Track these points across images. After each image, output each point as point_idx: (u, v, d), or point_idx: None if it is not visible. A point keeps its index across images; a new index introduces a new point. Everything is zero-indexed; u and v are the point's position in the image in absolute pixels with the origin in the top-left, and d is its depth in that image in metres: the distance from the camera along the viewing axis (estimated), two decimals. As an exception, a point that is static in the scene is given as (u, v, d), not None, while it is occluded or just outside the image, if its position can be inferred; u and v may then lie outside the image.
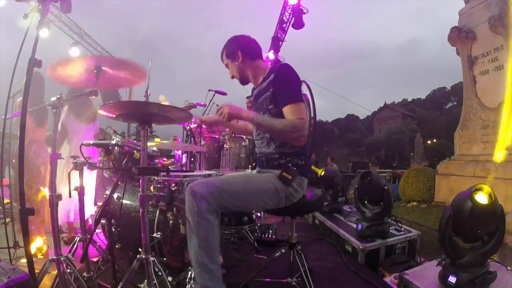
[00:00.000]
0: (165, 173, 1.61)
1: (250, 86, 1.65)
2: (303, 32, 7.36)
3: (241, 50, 1.49)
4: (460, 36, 4.81)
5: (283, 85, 1.35)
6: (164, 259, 1.67)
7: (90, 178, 2.62)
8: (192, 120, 2.53)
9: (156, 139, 2.78)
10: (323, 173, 3.31)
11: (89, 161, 1.51)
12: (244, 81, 1.57)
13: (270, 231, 2.55)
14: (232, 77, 1.57)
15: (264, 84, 1.45)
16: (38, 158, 2.23)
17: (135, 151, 1.71)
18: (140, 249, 1.32)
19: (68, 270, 1.37)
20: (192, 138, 2.52)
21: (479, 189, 1.28)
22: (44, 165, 2.30)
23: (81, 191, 1.64)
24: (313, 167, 3.54)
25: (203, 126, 2.64)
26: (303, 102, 1.34)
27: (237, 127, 1.92)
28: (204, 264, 1.18)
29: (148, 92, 1.50)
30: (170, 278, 1.39)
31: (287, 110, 1.31)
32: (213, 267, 1.19)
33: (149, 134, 1.30)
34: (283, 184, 1.34)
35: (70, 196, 1.62)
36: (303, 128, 1.28)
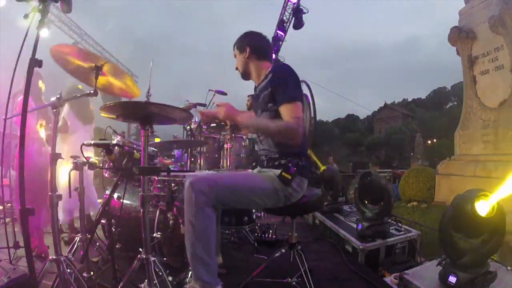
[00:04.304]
0: (165, 173, 1.62)
1: (249, 84, 1.66)
2: (302, 31, 7.36)
3: (250, 47, 1.53)
4: (460, 36, 4.81)
5: (280, 85, 1.36)
6: (165, 259, 1.67)
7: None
8: (193, 120, 2.54)
9: (156, 139, 2.78)
10: (324, 169, 3.31)
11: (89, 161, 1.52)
12: (245, 76, 1.59)
13: (270, 231, 2.55)
14: (236, 69, 1.61)
15: (264, 83, 1.48)
16: (40, 157, 2.23)
17: (135, 151, 1.71)
18: (140, 249, 1.32)
19: (68, 270, 1.37)
20: (192, 138, 2.52)
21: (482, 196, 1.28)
22: (46, 164, 2.30)
23: (81, 191, 1.64)
24: (315, 158, 3.51)
25: (204, 126, 2.64)
26: (299, 101, 1.35)
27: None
28: (200, 257, 1.18)
29: (150, 93, 1.50)
30: (170, 278, 1.39)
31: (283, 109, 1.33)
32: (210, 261, 1.20)
33: (149, 134, 1.30)
34: (283, 184, 1.34)
35: (70, 196, 1.62)
36: (297, 127, 1.29)
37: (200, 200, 1.18)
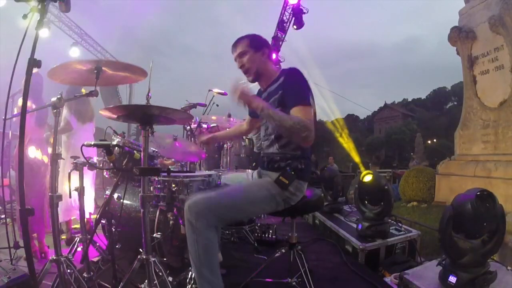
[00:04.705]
0: (165, 173, 1.61)
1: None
2: (302, 31, 7.36)
3: (268, 49, 1.51)
4: (460, 36, 4.81)
5: (293, 88, 1.35)
6: (165, 259, 1.67)
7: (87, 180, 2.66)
8: (193, 120, 2.53)
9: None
10: (324, 169, 3.33)
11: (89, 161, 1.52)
12: (257, 75, 1.50)
13: (270, 231, 2.55)
14: (242, 66, 1.48)
15: (274, 87, 1.45)
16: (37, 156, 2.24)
17: (135, 151, 1.71)
18: (140, 249, 1.32)
19: (68, 271, 1.37)
20: (192, 138, 2.52)
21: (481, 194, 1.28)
22: (43, 164, 2.30)
23: (81, 191, 1.64)
24: None
25: (203, 126, 2.65)
26: (311, 106, 1.34)
27: (227, 137, 1.96)
28: (205, 276, 1.20)
29: (150, 94, 1.50)
30: (170, 278, 1.39)
31: (295, 110, 1.30)
32: (213, 278, 1.21)
33: (149, 135, 1.30)
34: (280, 188, 1.34)
35: (70, 196, 1.62)
36: (311, 129, 1.27)
37: (201, 224, 1.19)
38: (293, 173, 1.36)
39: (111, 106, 1.21)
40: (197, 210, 1.19)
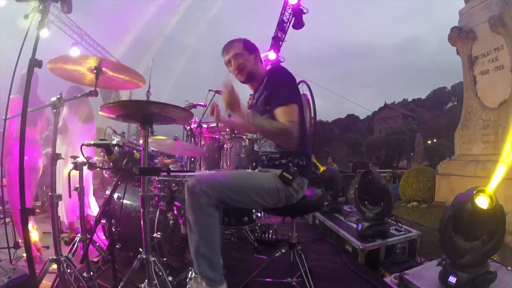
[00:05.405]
0: (165, 173, 1.62)
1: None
2: (302, 31, 7.36)
3: (259, 53, 1.56)
4: (460, 36, 4.81)
5: (274, 88, 1.37)
6: (164, 259, 1.67)
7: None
8: (192, 120, 2.54)
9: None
10: (324, 169, 3.33)
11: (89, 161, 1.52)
12: (250, 77, 1.52)
13: (270, 231, 2.55)
14: (239, 66, 1.49)
15: (260, 88, 1.50)
16: (27, 156, 2.22)
17: (135, 151, 1.71)
18: (140, 249, 1.32)
19: (68, 270, 1.37)
20: (192, 138, 2.52)
21: (480, 192, 1.27)
22: (33, 164, 2.29)
23: (81, 191, 1.64)
24: (314, 160, 3.56)
25: (203, 126, 2.65)
26: (295, 104, 1.34)
27: (237, 126, 1.95)
28: (204, 255, 1.19)
29: (150, 92, 1.50)
30: (170, 278, 1.39)
31: (277, 112, 1.32)
32: (214, 258, 1.21)
33: (149, 134, 1.30)
34: (284, 184, 1.34)
35: (70, 196, 1.62)
36: (292, 131, 1.28)
37: (202, 201, 1.18)
38: (296, 169, 1.37)
39: (110, 103, 1.19)
40: (200, 187, 1.18)
